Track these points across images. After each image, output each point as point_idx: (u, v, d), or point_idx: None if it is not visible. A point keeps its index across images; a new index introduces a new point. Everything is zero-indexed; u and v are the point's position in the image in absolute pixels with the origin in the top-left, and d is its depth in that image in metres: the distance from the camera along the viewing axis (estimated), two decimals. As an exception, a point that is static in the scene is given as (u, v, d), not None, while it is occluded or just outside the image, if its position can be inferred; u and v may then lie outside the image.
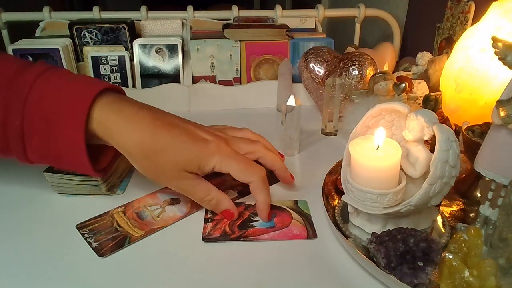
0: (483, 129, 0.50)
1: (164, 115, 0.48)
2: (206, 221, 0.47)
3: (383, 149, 0.41)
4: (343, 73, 0.72)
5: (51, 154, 0.44)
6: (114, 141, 0.45)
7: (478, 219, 0.43)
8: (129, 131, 0.44)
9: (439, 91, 0.66)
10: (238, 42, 0.82)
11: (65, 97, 0.43)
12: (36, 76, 0.43)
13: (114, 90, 0.47)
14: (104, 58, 0.79)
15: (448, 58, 0.64)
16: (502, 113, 0.37)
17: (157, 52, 0.80)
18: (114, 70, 0.80)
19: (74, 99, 0.43)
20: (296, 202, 0.51)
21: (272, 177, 0.56)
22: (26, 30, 0.92)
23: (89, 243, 0.43)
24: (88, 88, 0.44)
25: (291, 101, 0.59)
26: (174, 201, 0.51)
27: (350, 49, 0.91)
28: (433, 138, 0.41)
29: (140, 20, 0.91)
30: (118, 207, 0.49)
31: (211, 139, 0.47)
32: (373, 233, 0.40)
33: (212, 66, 0.84)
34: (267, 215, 0.47)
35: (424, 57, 0.80)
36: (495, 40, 0.40)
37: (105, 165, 0.49)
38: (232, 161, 0.46)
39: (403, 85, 0.64)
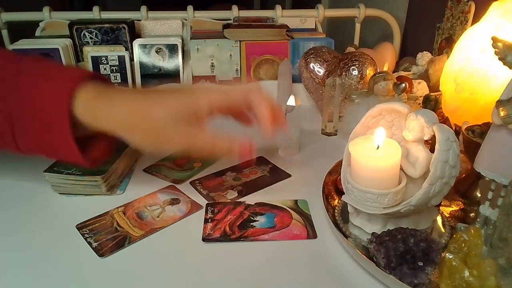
0: (483, 129, 0.50)
1: (149, 88, 0.48)
2: (206, 221, 0.47)
3: (383, 149, 0.41)
4: (343, 73, 0.72)
5: (40, 144, 0.45)
6: (102, 121, 0.44)
7: (478, 219, 0.43)
8: (116, 106, 0.44)
9: (439, 91, 0.66)
10: (238, 42, 0.82)
11: (50, 89, 0.44)
12: (23, 67, 0.44)
13: (95, 77, 0.47)
14: (104, 58, 0.79)
15: (448, 58, 0.64)
16: (502, 113, 0.37)
17: (157, 52, 0.80)
18: (114, 70, 0.80)
19: (58, 88, 0.43)
20: (296, 202, 0.51)
21: (272, 177, 0.56)
22: (26, 30, 0.92)
23: (89, 243, 0.43)
24: (69, 80, 0.44)
25: (291, 101, 0.59)
26: (174, 201, 0.51)
27: (350, 49, 0.91)
28: (433, 138, 0.41)
29: (140, 20, 0.91)
30: (118, 207, 0.49)
31: (192, 85, 0.47)
32: (373, 233, 0.40)
33: (212, 66, 0.84)
34: (269, 128, 0.46)
35: (424, 57, 0.80)
36: (495, 40, 0.40)
37: (98, 157, 0.49)
38: (221, 92, 0.46)
39: (403, 85, 0.64)
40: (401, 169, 0.43)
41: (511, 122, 0.37)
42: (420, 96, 0.70)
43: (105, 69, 0.79)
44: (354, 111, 0.65)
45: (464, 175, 0.53)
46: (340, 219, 0.46)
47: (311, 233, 0.45)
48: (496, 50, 0.40)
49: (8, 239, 0.44)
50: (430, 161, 0.39)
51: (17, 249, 0.43)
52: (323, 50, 0.78)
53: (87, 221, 0.47)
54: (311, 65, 0.77)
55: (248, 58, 0.84)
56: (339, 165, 0.55)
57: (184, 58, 0.82)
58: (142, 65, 0.80)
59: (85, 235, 0.44)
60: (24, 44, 0.78)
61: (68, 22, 0.82)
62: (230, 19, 0.95)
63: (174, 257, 0.42)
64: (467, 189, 0.51)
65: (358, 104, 0.66)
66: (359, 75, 0.71)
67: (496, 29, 0.54)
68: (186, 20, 0.93)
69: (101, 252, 0.42)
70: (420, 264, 0.36)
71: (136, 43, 0.79)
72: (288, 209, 0.49)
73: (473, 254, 0.36)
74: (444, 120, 0.63)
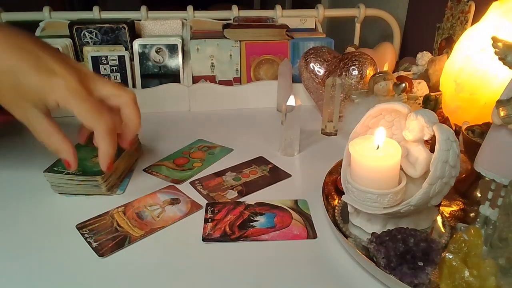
0: (483, 129, 0.50)
1: (18, 36, 0.44)
2: (206, 221, 0.47)
3: (383, 149, 0.41)
4: (343, 73, 0.72)
5: None
6: None
7: (478, 219, 0.43)
8: None
9: (439, 91, 0.66)
10: (238, 42, 0.82)
11: None
12: None
13: None
14: (104, 58, 0.79)
15: (448, 58, 0.65)
16: (502, 113, 0.37)
17: (157, 52, 0.80)
18: (114, 70, 0.80)
19: None
20: (296, 202, 0.51)
21: (272, 177, 0.56)
22: (26, 30, 0.92)
23: (89, 243, 0.43)
24: None
25: (291, 101, 0.59)
26: (174, 201, 0.51)
27: (350, 49, 0.91)
28: (433, 138, 0.41)
29: (140, 20, 0.91)
30: (118, 207, 0.49)
31: (60, 72, 0.42)
32: (373, 233, 0.40)
33: (212, 66, 0.83)
34: (106, 165, 0.46)
35: (424, 57, 0.80)
36: (495, 40, 0.40)
37: None
38: (77, 100, 0.42)
39: (403, 85, 0.64)
40: (401, 169, 0.43)
41: (511, 122, 0.37)
42: (420, 96, 0.70)
43: (105, 69, 0.79)
44: (354, 111, 0.65)
45: (464, 175, 0.53)
46: (340, 219, 0.46)
47: (311, 233, 0.45)
48: (496, 50, 0.40)
49: (7, 239, 0.44)
50: (430, 161, 0.39)
51: (17, 249, 0.43)
52: (323, 50, 0.78)
53: (87, 221, 0.47)
54: (311, 65, 0.77)
55: (248, 58, 0.84)
56: (339, 165, 0.55)
57: (184, 58, 0.82)
58: (142, 65, 0.80)
59: (85, 235, 0.44)
60: (24, 44, 0.78)
61: (68, 22, 0.82)
62: (230, 19, 0.95)
63: (174, 257, 0.42)
64: (467, 189, 0.51)
65: (358, 104, 0.66)
66: (359, 75, 0.71)
67: (496, 29, 0.54)
68: (186, 20, 0.93)
69: (101, 252, 0.42)
70: (420, 264, 0.36)
71: (136, 43, 0.79)
72: (288, 209, 0.49)
73: (473, 254, 0.36)
74: (444, 120, 0.63)
